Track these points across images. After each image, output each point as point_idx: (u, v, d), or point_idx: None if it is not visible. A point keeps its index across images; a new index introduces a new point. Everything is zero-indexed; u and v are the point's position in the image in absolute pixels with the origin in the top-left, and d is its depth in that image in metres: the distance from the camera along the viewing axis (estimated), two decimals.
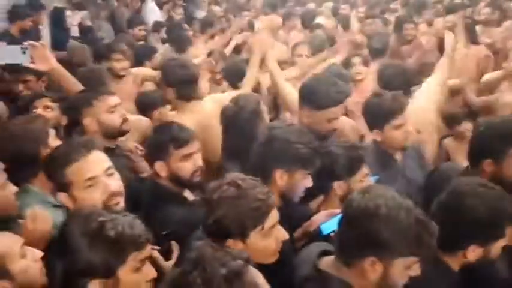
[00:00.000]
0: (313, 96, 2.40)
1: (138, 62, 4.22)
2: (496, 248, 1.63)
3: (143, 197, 2.17)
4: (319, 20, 7.06)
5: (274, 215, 1.57)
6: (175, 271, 1.17)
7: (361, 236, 1.37)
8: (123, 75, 3.78)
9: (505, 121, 2.14)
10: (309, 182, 1.92)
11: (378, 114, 2.39)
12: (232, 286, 1.11)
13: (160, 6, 7.41)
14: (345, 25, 6.27)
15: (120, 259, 1.33)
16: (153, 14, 6.98)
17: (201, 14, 7.41)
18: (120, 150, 2.52)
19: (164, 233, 1.87)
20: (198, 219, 2.04)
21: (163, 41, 5.65)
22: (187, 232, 1.87)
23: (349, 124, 2.89)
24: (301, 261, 1.61)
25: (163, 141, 2.08)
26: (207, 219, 1.55)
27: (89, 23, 5.82)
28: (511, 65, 3.63)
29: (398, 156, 2.45)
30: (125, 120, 2.45)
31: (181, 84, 2.88)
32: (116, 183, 1.73)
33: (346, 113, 2.97)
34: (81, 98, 2.48)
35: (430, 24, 6.61)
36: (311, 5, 8.45)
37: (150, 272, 1.40)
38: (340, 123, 2.53)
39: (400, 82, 2.95)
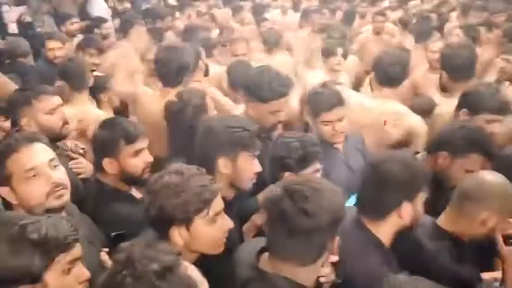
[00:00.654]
0: (257, 89, 2.41)
1: None
2: (419, 201, 1.75)
3: (88, 198, 2.11)
4: (275, 13, 7.12)
5: (218, 202, 1.57)
6: (106, 273, 1.14)
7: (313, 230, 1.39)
8: None
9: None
10: (257, 167, 1.92)
11: (311, 106, 2.46)
12: (164, 281, 1.08)
13: None
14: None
15: (46, 263, 1.28)
16: (99, 7, 6.79)
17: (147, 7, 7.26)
18: (61, 150, 2.42)
19: (114, 234, 1.81)
20: None
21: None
22: (137, 231, 1.80)
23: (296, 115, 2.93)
24: (241, 259, 1.60)
25: (114, 136, 2.01)
26: (150, 209, 1.54)
27: (29, 18, 5.56)
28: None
29: (340, 145, 2.49)
30: (65, 123, 2.36)
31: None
32: (60, 174, 1.67)
33: None
34: (20, 96, 2.37)
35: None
36: None
37: (82, 273, 1.35)
38: (287, 115, 2.56)
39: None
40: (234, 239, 1.75)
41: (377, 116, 2.76)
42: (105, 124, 2.13)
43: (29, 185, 1.63)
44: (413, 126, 2.78)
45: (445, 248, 1.85)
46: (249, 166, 1.89)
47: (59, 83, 3.05)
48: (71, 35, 4.95)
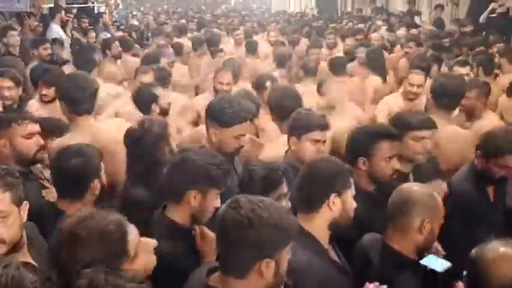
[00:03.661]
0: (219, 114, 2.42)
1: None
2: (348, 197, 1.93)
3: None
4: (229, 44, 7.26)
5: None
6: None
7: (251, 245, 1.42)
8: None
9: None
10: (218, 202, 1.93)
11: (301, 123, 2.49)
12: None
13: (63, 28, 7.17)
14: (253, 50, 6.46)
15: None
16: (57, 35, 6.73)
17: (105, 36, 7.25)
18: (34, 175, 2.43)
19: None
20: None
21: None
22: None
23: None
24: (192, 279, 1.62)
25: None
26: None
27: None
28: None
29: None
30: (41, 148, 2.37)
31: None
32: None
33: None
34: (2, 118, 2.39)
35: (331, 47, 7.05)
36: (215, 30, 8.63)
37: None
38: (248, 140, 2.57)
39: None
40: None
41: None
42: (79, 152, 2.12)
43: None
44: None
45: (390, 265, 1.92)
46: (215, 202, 1.93)
47: None
48: (43, 59, 4.94)
